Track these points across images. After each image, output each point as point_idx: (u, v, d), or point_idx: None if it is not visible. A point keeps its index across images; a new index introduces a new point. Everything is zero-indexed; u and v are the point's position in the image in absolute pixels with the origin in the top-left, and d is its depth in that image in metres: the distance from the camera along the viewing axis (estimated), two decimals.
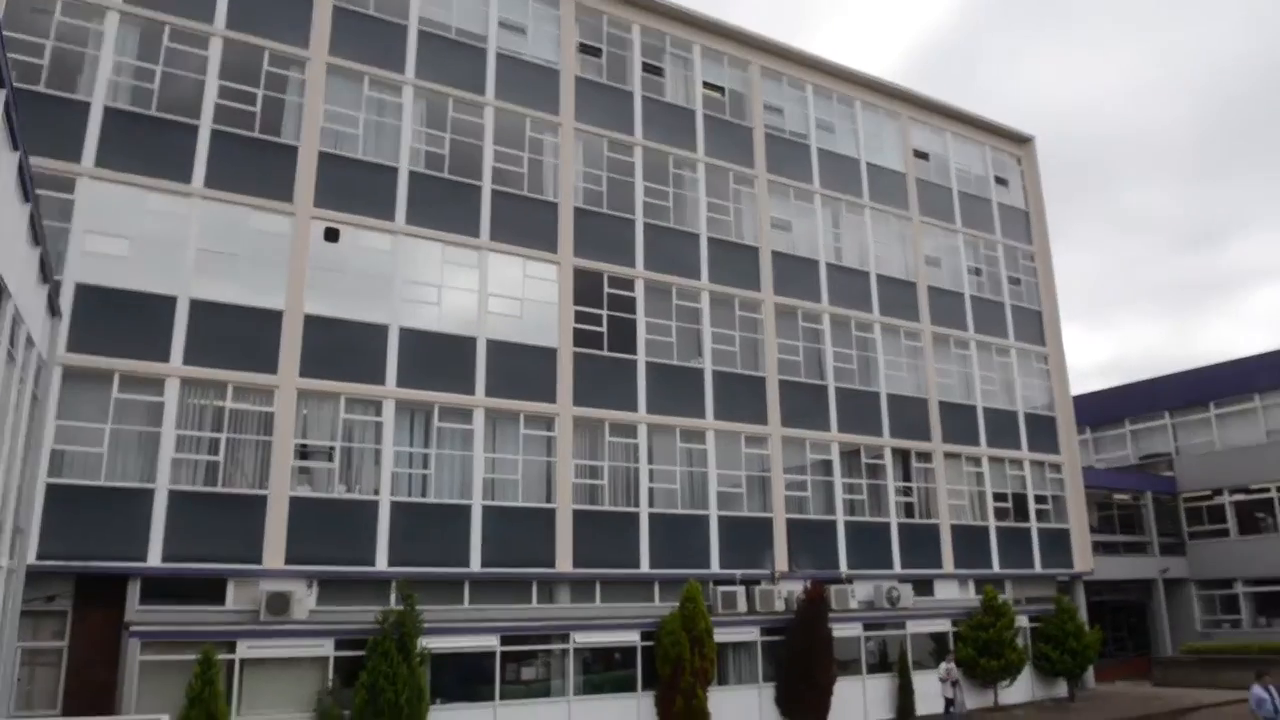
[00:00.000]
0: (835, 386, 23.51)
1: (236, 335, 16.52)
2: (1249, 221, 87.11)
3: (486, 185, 19.78)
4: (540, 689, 18.21)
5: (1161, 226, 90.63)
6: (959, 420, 25.72)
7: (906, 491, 24.20)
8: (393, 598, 16.65)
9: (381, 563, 16.91)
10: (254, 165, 17.35)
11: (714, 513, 20.75)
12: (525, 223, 20.01)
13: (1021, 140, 30.65)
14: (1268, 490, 34.44)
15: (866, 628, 22.40)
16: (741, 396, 21.89)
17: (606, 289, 20.73)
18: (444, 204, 19.17)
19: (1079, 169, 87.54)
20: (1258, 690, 16.34)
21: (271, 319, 16.94)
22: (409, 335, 18.15)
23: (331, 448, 17.10)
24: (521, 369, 19.15)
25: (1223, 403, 36.15)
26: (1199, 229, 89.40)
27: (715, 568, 20.40)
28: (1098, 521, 33.64)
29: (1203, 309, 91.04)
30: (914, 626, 23.20)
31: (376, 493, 17.25)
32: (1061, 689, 25.54)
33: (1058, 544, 26.93)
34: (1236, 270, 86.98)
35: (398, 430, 17.74)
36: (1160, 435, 38.22)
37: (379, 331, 17.91)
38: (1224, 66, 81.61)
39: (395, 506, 17.30)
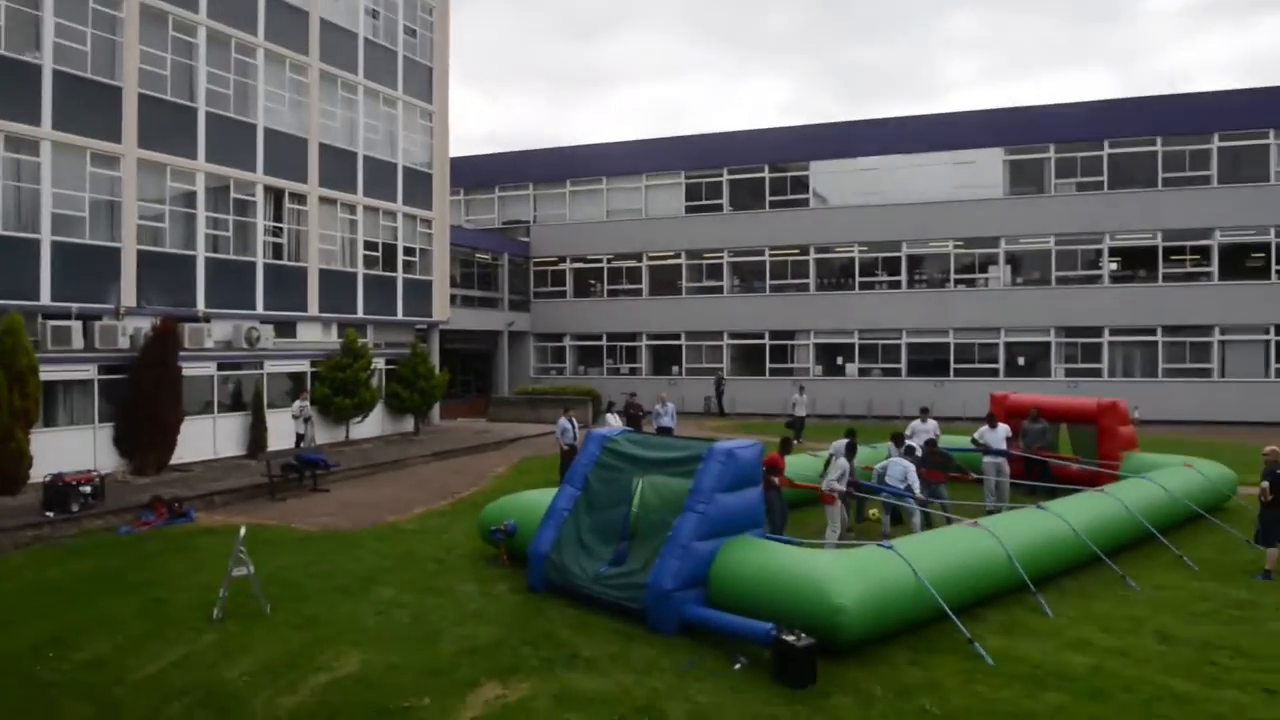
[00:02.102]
0: (207, 111, 22.42)
1: None
2: (620, 21, 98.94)
3: None
4: None
5: (553, 9, 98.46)
6: (338, 165, 26.48)
7: (276, 232, 24.58)
8: None
9: None
10: None
11: (47, 237, 18.98)
12: None
13: None
14: (600, 261, 41.86)
15: (222, 367, 22.91)
16: (90, 107, 19.82)
17: None
18: None
19: None
20: (563, 421, 20.89)
21: None
22: None
23: None
24: None
25: (578, 182, 42.35)
26: (583, 23, 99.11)
27: (46, 299, 18.93)
28: (459, 277, 37.89)
29: (577, 96, 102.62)
30: (272, 367, 24.34)
31: None
32: (409, 425, 29.19)
33: (420, 294, 29.91)
34: (610, 66, 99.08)
35: None
36: (523, 204, 43.70)
37: None
38: None
39: None
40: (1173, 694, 8.33)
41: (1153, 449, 20.36)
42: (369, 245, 27.73)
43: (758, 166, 39.27)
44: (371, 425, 27.53)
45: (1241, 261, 33.83)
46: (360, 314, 27.30)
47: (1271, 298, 32.82)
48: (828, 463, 14.34)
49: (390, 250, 28.63)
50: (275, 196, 24.50)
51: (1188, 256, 34.19)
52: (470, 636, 9.93)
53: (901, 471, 14.21)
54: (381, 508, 17.79)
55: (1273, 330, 32.88)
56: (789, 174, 39.15)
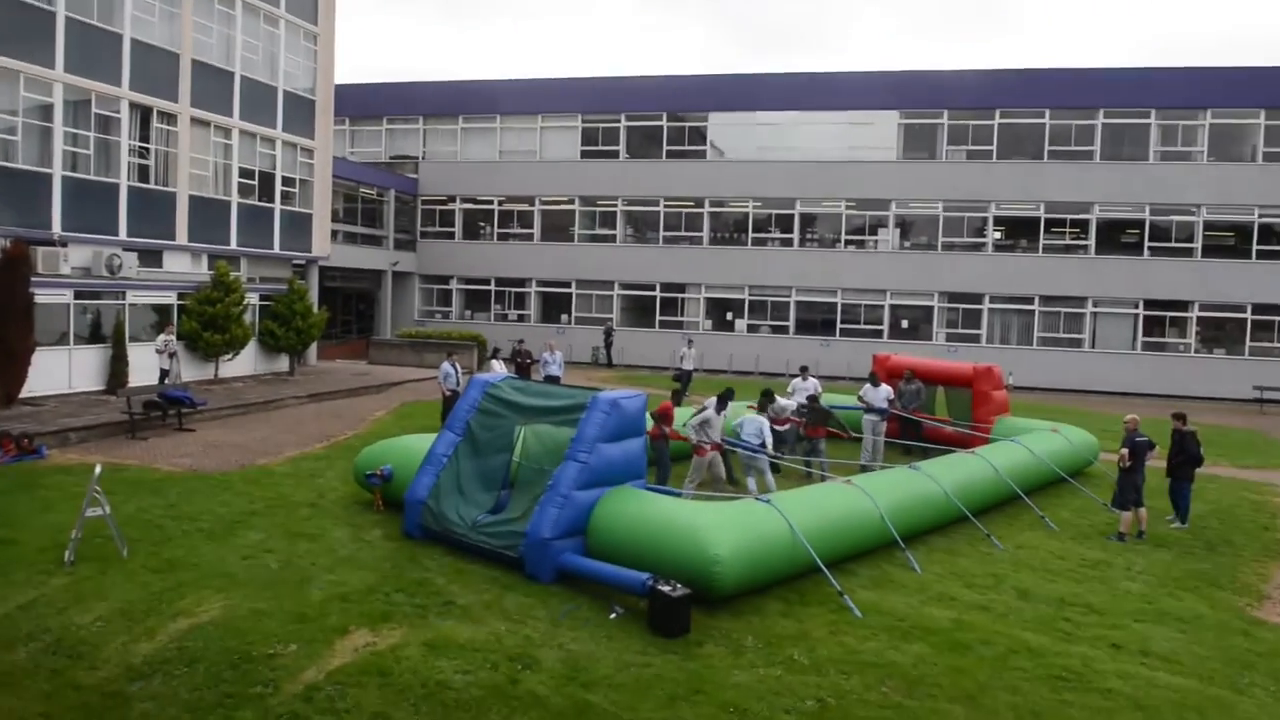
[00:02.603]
0: (67, 16, 20.96)
1: None
2: None
3: None
4: None
5: None
6: (213, 85, 25.20)
7: (143, 153, 23.33)
8: None
9: None
10: None
11: None
12: None
13: None
14: (491, 203, 41.22)
15: (80, 296, 21.76)
16: None
17: None
18: None
19: None
20: (446, 366, 20.61)
21: None
22: None
23: None
24: None
25: (470, 118, 41.43)
26: None
27: None
28: (342, 212, 36.80)
29: (474, 24, 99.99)
30: (135, 298, 23.24)
31: None
32: (284, 364, 28.36)
33: (299, 228, 28.91)
34: None
35: None
36: (412, 138, 42.53)
37: None
38: None
39: None
40: (1027, 647, 8.85)
41: (1024, 414, 21.42)
42: (245, 173, 26.59)
43: (656, 115, 39.12)
44: (243, 364, 26.65)
45: (1116, 237, 35.56)
46: (233, 245, 26.23)
47: (1141, 273, 34.65)
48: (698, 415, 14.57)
49: (268, 179, 27.53)
50: (142, 114, 23.19)
51: (1067, 230, 35.74)
52: (341, 583, 9.80)
53: (756, 428, 14.43)
54: (251, 449, 17.31)
55: (1141, 305, 34.78)
56: (687, 124, 39.16)
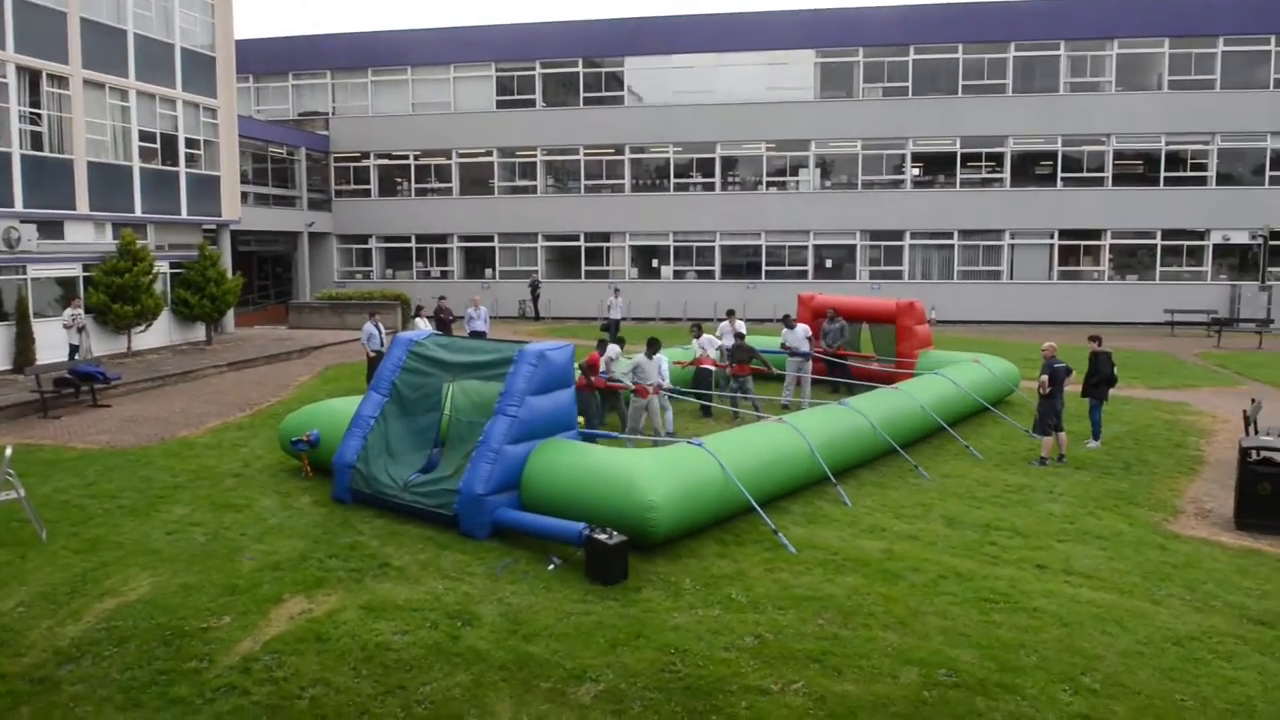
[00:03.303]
0: None
1: None
2: None
3: None
4: None
5: None
6: (106, 44, 24.10)
7: (35, 119, 22.29)
8: None
9: None
10: None
11: None
12: None
13: None
14: (406, 158, 40.38)
15: None
16: None
17: None
18: None
19: None
20: (369, 326, 20.31)
21: None
22: None
23: None
24: None
25: (380, 71, 40.35)
26: None
27: None
28: (252, 173, 35.73)
29: None
30: (37, 271, 22.34)
31: None
32: (200, 333, 27.63)
33: (207, 191, 28.00)
34: None
35: None
36: (321, 93, 41.29)
37: None
38: None
39: None
40: (956, 572, 9.15)
41: (947, 347, 21.91)
42: (145, 136, 25.57)
43: (572, 61, 38.58)
44: (157, 335, 25.89)
45: (1031, 169, 36.31)
46: (138, 213, 25.31)
47: (1055, 204, 35.50)
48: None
49: (170, 142, 26.54)
50: (31, 78, 22.10)
51: (983, 164, 36.37)
52: (272, 552, 9.69)
53: (656, 368, 14.71)
54: (171, 422, 16.90)
55: (1056, 235, 35.67)
56: (604, 70, 38.70)
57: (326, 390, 19.75)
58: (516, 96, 39.25)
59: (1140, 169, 35.59)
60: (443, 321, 23.93)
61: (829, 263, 37.40)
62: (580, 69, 38.51)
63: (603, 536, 8.91)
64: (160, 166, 26.13)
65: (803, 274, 37.02)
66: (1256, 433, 11.83)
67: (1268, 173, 34.53)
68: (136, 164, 25.22)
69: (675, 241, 38.28)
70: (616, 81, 38.88)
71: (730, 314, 19.62)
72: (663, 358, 15.00)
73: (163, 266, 26.03)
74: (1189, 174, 35.14)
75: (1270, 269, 33.89)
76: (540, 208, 39.20)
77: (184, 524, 10.69)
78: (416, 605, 8.28)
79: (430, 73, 39.92)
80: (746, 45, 37.11)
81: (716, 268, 37.98)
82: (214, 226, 29.26)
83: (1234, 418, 16.22)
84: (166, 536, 10.24)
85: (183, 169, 26.90)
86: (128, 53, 24.88)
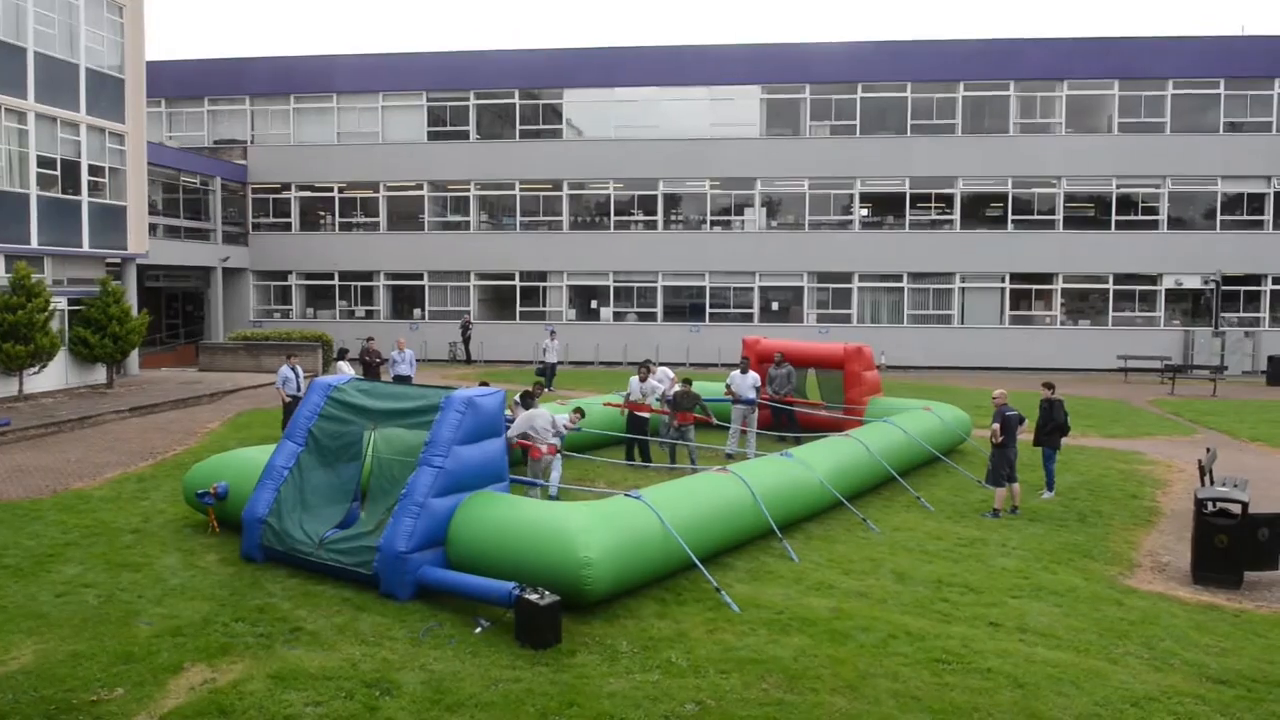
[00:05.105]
0: None
1: None
2: None
3: None
4: None
5: None
6: (2, 63, 23.63)
7: None
8: None
9: None
10: None
11: None
12: None
13: None
14: (330, 190, 40.11)
15: None
16: None
17: None
18: None
19: None
20: (285, 370, 19.93)
21: None
22: None
23: None
24: None
25: (303, 98, 40.13)
26: None
27: None
28: (162, 203, 35.19)
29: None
30: None
31: None
32: (101, 375, 26.92)
33: (112, 222, 27.45)
34: None
35: None
36: (239, 120, 40.90)
37: None
38: None
39: None
40: (907, 631, 9.17)
41: (896, 393, 22.21)
42: (44, 162, 25.03)
43: (508, 92, 38.79)
44: (52, 376, 25.16)
45: (981, 211, 37.24)
46: (35, 244, 24.70)
47: (1006, 247, 36.41)
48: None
49: (72, 168, 26.01)
50: None
51: (933, 205, 37.21)
52: (172, 615, 9.36)
53: (547, 422, 13.76)
54: (65, 472, 16.37)
55: (1007, 278, 36.54)
56: (541, 102, 38.96)
57: (238, 438, 19.32)
58: (449, 128, 39.29)
59: (1091, 211, 36.71)
60: (368, 365, 23.62)
61: (775, 305, 37.82)
62: (517, 100, 38.72)
63: (534, 596, 8.77)
64: (60, 195, 25.58)
65: (749, 316, 37.37)
66: (1212, 483, 12.11)
67: (1219, 217, 35.86)
68: (34, 191, 24.65)
69: (615, 282, 38.41)
70: (555, 114, 39.15)
71: (646, 365, 17.69)
72: (546, 411, 14.06)
73: (60, 303, 25.37)
74: (1140, 217, 36.36)
75: (1223, 314, 35.07)
76: (473, 245, 39.11)
77: (75, 585, 10.29)
78: (331, 673, 8.05)
79: (357, 100, 39.80)
80: (690, 79, 37.66)
81: (659, 309, 38.17)
82: (119, 260, 28.67)
83: (1189, 467, 16.61)
84: (55, 599, 9.85)
85: (85, 198, 26.35)
86: (27, 72, 24.41)
